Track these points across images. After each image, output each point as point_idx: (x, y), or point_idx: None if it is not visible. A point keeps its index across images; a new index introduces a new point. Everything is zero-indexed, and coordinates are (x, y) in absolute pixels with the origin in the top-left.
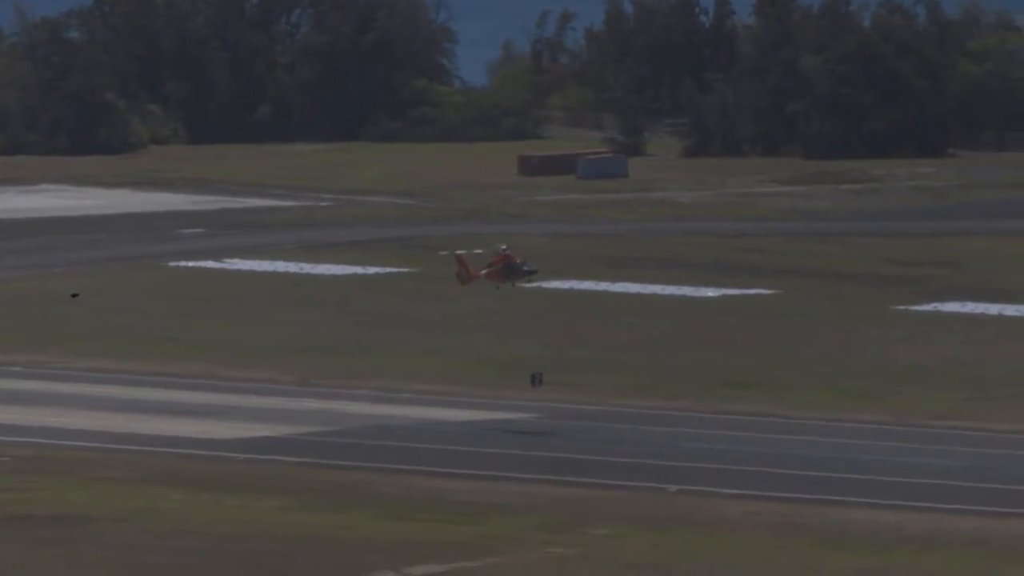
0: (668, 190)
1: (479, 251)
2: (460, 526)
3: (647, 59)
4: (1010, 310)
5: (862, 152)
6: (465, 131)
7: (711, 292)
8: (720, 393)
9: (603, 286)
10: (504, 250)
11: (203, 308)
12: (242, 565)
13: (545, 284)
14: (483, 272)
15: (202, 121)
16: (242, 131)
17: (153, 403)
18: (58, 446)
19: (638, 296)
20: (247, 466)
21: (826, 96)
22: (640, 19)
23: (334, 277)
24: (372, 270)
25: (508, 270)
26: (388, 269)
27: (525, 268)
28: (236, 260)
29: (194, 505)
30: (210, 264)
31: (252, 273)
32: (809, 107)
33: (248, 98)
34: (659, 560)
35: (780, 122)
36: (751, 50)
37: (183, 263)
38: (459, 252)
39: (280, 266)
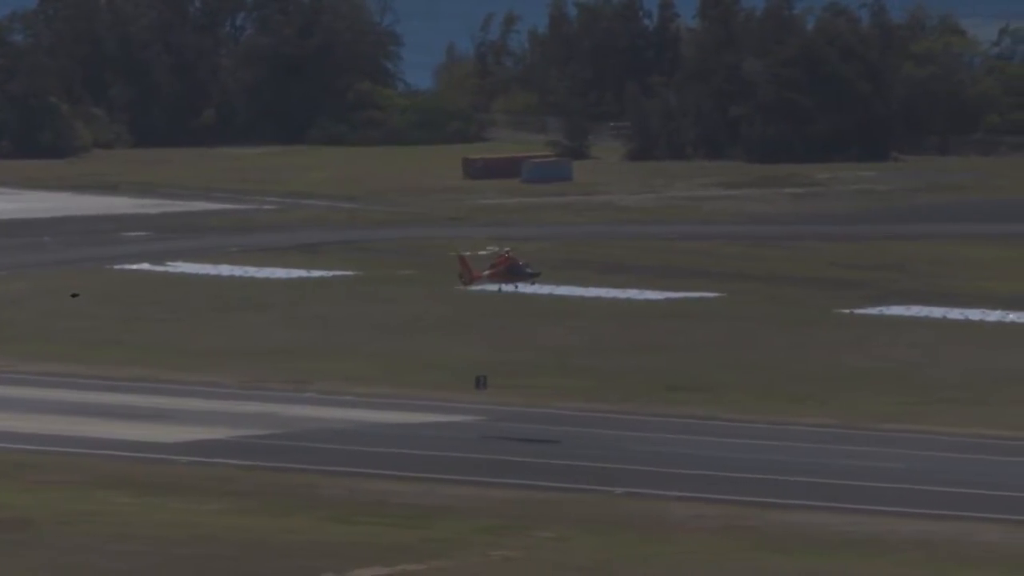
0: (612, 193)
1: (483, 253)
2: (405, 529)
3: (591, 62)
4: (954, 313)
5: (805, 156)
6: (410, 134)
7: (656, 295)
8: (665, 396)
9: (548, 289)
10: (507, 252)
11: (148, 311)
12: (187, 569)
13: (490, 287)
14: (485, 273)
15: (146, 124)
16: (186, 134)
17: (98, 406)
18: (2, 449)
19: (582, 299)
20: (192, 469)
21: (769, 100)
22: (584, 22)
23: (279, 280)
24: (317, 273)
25: (511, 272)
26: (333, 272)
27: (528, 271)
28: (181, 263)
29: (139, 508)
30: (155, 268)
31: (197, 276)
32: (753, 111)
33: (192, 101)
34: (604, 563)
35: (723, 126)
36: (694, 53)
37: (128, 266)
38: (463, 253)
39: (225, 269)
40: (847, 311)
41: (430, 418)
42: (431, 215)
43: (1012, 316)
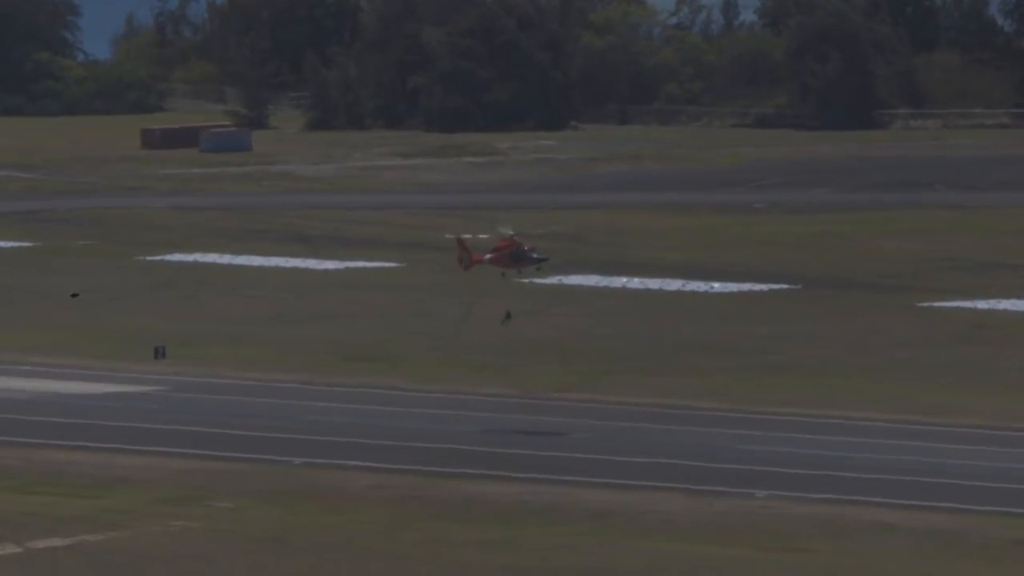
0: (291, 163)
1: (484, 236)
2: (83, 499)
3: (270, 32)
4: (634, 283)
5: (485, 125)
6: (88, 104)
7: (334, 265)
8: (344, 366)
9: (226, 259)
10: (511, 235)
11: None
12: None
13: (168, 257)
14: (487, 257)
15: None
16: None
17: None
18: None
19: (261, 269)
20: None
21: (449, 69)
22: None
23: None
24: None
25: (515, 258)
26: (10, 243)
27: (534, 255)
28: None
29: None
30: None
31: None
32: (432, 80)
33: None
34: (283, 533)
35: (403, 95)
36: (374, 23)
37: None
38: (463, 236)
39: None
40: (526, 280)
41: (109, 388)
42: (110, 185)
43: (692, 285)
